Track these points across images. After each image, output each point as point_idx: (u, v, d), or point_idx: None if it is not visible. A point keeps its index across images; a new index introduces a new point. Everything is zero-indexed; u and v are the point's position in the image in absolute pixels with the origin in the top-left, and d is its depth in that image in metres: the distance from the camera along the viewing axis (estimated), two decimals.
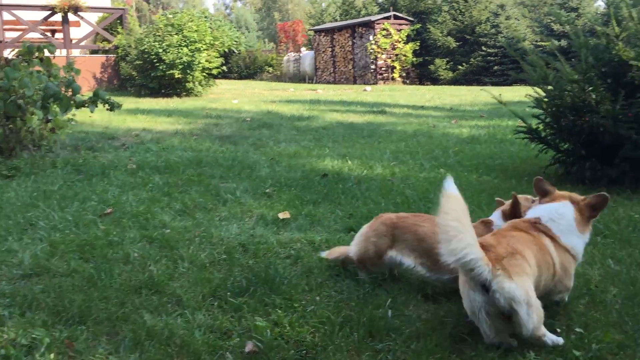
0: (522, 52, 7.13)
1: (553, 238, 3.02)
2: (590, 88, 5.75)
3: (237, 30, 34.33)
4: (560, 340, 2.77)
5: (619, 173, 5.77)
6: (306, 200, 5.48)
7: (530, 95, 6.61)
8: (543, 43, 21.30)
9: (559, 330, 2.92)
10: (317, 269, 3.77)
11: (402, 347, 2.80)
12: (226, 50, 19.99)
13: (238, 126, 11.05)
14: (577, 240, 3.09)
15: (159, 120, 11.61)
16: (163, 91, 17.65)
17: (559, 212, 3.10)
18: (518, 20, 28.84)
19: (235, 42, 24.52)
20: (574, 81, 5.85)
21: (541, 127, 6.51)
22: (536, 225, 3.06)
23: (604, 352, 2.71)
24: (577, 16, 26.21)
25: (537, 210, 3.18)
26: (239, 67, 33.99)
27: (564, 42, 19.44)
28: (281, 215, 4.96)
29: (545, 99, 6.28)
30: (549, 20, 26.47)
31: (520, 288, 2.59)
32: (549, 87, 6.26)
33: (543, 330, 2.73)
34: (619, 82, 5.86)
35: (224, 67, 19.31)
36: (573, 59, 6.71)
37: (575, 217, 3.09)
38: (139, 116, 12.21)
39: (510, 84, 24.07)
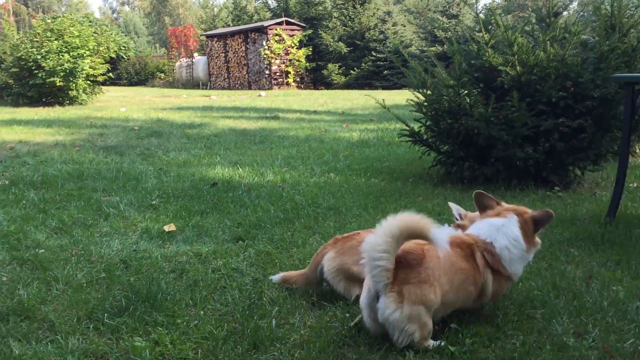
0: (404, 58, 7.40)
1: (495, 266, 3.02)
2: (465, 92, 6.07)
3: (126, 36, 33.16)
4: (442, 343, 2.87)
5: (494, 172, 6.14)
6: (194, 211, 5.36)
7: (411, 100, 6.88)
8: (428, 49, 22.28)
9: (436, 327, 3.04)
10: (203, 282, 3.68)
11: (286, 357, 2.79)
12: (113, 56, 19.23)
13: (125, 135, 10.64)
14: (521, 265, 3.11)
15: (38, 132, 10.93)
16: (44, 100, 16.67)
17: (513, 234, 3.05)
18: (404, 26, 30.06)
19: (123, 48, 23.61)
20: (450, 86, 6.16)
21: (423, 130, 6.79)
22: (478, 247, 3.03)
23: (477, 346, 2.85)
24: (457, 23, 27.72)
25: (483, 228, 3.12)
26: (128, 73, 32.84)
27: (445, 48, 20.42)
28: (167, 228, 4.81)
29: (425, 103, 6.56)
30: (433, 27, 27.80)
31: (404, 316, 2.68)
32: (428, 92, 6.55)
33: (426, 344, 2.80)
34: (490, 87, 6.24)
35: (111, 74, 18.60)
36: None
37: (521, 233, 3.05)
38: (15, 127, 11.44)
39: (399, 88, 25.00)
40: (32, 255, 4.12)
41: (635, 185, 6.04)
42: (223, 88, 31.10)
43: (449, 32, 25.07)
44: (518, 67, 5.96)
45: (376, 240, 2.67)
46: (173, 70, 33.83)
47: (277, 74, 28.92)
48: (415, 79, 6.65)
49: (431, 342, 2.84)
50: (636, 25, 7.04)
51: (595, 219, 4.79)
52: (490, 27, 6.41)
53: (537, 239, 3.14)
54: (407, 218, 2.70)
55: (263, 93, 24.37)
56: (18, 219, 5.04)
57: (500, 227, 3.06)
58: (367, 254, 2.69)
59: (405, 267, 2.74)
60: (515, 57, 5.96)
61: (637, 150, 7.65)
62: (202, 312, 3.27)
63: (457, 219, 3.56)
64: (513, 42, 5.95)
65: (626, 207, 5.12)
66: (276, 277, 3.68)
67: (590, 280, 3.55)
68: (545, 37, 6.03)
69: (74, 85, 16.48)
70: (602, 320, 3.03)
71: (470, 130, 5.99)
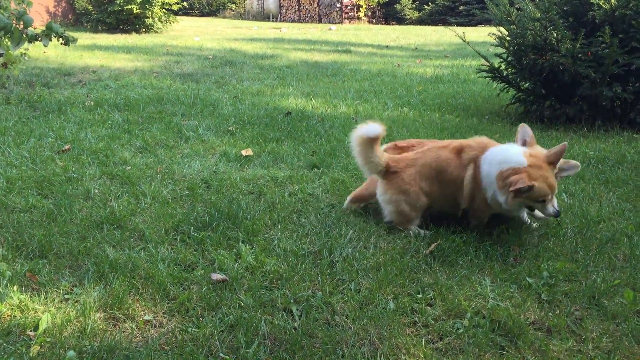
0: None
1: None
2: (552, 26, 5.77)
3: None
4: (421, 233, 3.35)
5: (577, 111, 5.89)
6: (269, 138, 5.46)
7: (493, 35, 6.62)
8: None
9: (512, 258, 3.05)
10: (280, 204, 3.80)
11: (363, 277, 2.88)
12: None
13: (200, 64, 10.80)
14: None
15: (117, 57, 11.24)
16: (121, 27, 17.04)
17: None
18: None
19: None
20: (537, 19, 5.87)
21: (503, 66, 6.55)
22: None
23: (556, 280, 2.84)
24: None
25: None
26: (200, 3, 32.93)
27: None
28: (244, 153, 4.94)
29: (508, 38, 6.30)
30: None
31: (388, 196, 3.43)
32: (512, 26, 6.27)
33: (408, 226, 3.41)
34: (579, 21, 5.91)
35: (185, 3, 18.72)
36: None
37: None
38: (96, 52, 11.80)
39: (475, 25, 24.00)
40: (120, 171, 4.34)
41: None
42: (293, 21, 30.79)
43: None
44: (613, 0, 5.59)
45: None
46: (244, 1, 33.67)
47: (349, 7, 28.29)
48: (499, 11, 6.36)
49: (414, 228, 3.39)
50: None
51: None
52: None
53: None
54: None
55: (333, 27, 23.98)
56: (105, 138, 5.29)
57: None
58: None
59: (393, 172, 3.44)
60: None
61: None
62: (280, 232, 3.39)
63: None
64: None
65: None
66: (345, 203, 3.77)
67: None
68: None
69: (150, 13, 16.73)
70: None
71: (555, 67, 5.73)
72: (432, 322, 2.51)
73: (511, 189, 3.01)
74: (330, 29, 22.50)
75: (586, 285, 2.77)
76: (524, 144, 3.35)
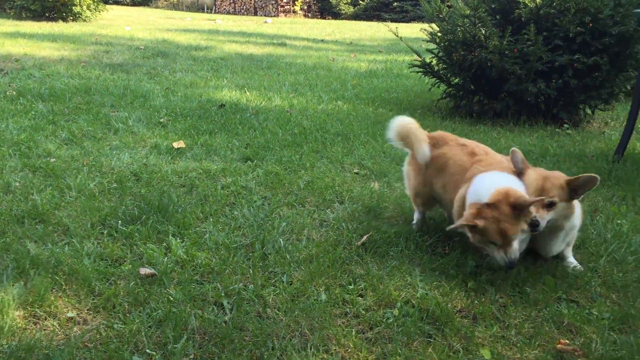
0: None
1: None
2: (480, 23, 5.95)
3: None
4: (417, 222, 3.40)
5: (503, 107, 6.11)
6: (202, 130, 5.37)
7: (424, 30, 6.75)
8: None
9: (441, 249, 3.12)
10: (212, 197, 3.74)
11: (295, 270, 2.87)
12: None
13: (131, 54, 10.48)
14: None
15: (43, 46, 10.75)
16: (47, 15, 16.31)
17: None
18: None
19: None
20: (466, 16, 6.03)
21: (434, 61, 6.70)
22: None
23: (481, 269, 2.92)
24: None
25: None
26: None
27: None
28: (176, 145, 4.83)
29: (439, 34, 6.44)
30: None
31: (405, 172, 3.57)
32: (443, 23, 6.42)
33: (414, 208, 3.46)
34: (506, 19, 6.12)
35: None
36: None
37: None
38: (20, 40, 11.24)
39: (408, 21, 24.45)
40: (43, 164, 4.15)
41: None
42: (228, 13, 30.39)
43: None
44: (537, 0, 5.82)
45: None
46: None
47: (285, 0, 28.19)
48: (431, 8, 6.50)
49: (416, 216, 3.42)
50: None
51: (603, 156, 4.81)
52: None
53: None
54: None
55: (269, 20, 23.85)
56: (28, 129, 5.04)
57: None
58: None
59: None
60: None
61: None
62: (212, 225, 3.33)
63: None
64: None
65: (634, 147, 5.12)
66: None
67: (595, 213, 3.61)
68: None
69: (77, 0, 16.09)
70: (605, 251, 3.10)
71: (483, 63, 5.91)
72: (363, 312, 2.53)
73: (456, 223, 2.82)
74: (266, 22, 22.35)
75: (510, 274, 2.87)
76: (521, 172, 2.97)
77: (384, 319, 2.48)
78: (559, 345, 2.30)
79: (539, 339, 2.37)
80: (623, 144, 4.73)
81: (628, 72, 5.84)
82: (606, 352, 2.26)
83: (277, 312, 2.51)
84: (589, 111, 6.28)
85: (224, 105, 6.42)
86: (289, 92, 7.50)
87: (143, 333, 2.31)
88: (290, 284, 2.74)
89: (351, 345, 2.29)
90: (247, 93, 7.26)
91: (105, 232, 3.18)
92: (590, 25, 5.65)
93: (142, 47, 11.42)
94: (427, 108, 6.85)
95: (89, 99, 6.39)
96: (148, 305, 2.50)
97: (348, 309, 2.56)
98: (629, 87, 5.88)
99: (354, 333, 2.37)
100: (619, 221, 3.46)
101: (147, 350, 2.22)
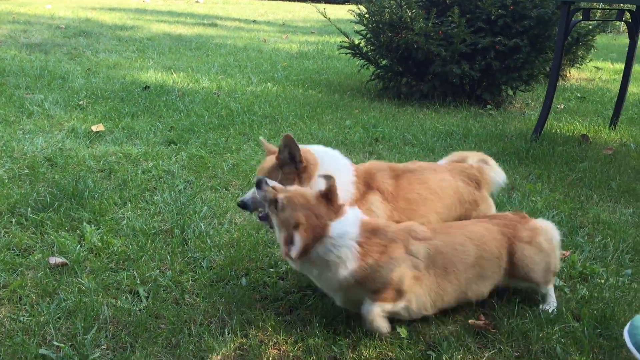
0: None
1: None
2: (406, 5, 5.99)
3: None
4: None
5: (430, 88, 6.20)
6: (124, 113, 5.18)
7: (352, 12, 6.74)
8: None
9: None
10: (132, 182, 3.61)
11: (217, 254, 2.82)
12: None
13: (51, 34, 9.98)
14: None
15: None
16: None
17: None
18: None
19: None
20: None
21: (363, 43, 6.71)
22: None
23: None
24: None
25: None
26: None
27: None
28: (95, 128, 4.64)
29: (367, 15, 6.44)
30: None
31: None
32: (370, 4, 6.43)
33: None
34: (431, 1, 6.18)
35: None
36: None
37: None
38: None
39: (342, 3, 24.40)
40: None
41: (562, 106, 6.27)
42: None
43: None
44: None
45: None
46: None
47: None
48: None
49: None
50: None
51: (522, 136, 4.97)
52: None
53: None
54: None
55: None
56: None
57: None
58: None
59: None
60: None
61: (567, 74, 7.89)
62: (130, 211, 3.22)
63: None
64: None
65: (551, 127, 5.32)
66: None
67: (512, 191, 3.72)
68: None
69: None
70: None
71: (410, 45, 5.96)
72: (283, 295, 2.51)
73: None
74: (197, 2, 21.78)
75: None
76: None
77: (304, 301, 2.47)
78: (471, 321, 2.36)
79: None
80: (540, 124, 4.89)
81: (547, 54, 6.03)
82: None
83: (196, 298, 2.46)
84: (510, 92, 6.47)
85: (149, 87, 6.22)
86: (218, 74, 7.34)
87: (51, 325, 2.20)
88: (210, 269, 2.69)
89: (269, 328, 2.26)
90: (174, 75, 7.05)
91: (14, 220, 3.02)
92: (512, 8, 5.79)
93: (63, 26, 10.90)
94: (356, 89, 6.87)
95: (2, 81, 6.04)
96: (57, 296, 2.39)
97: (268, 292, 2.53)
98: (547, 69, 6.08)
99: (273, 316, 2.34)
100: (533, 198, 3.59)
101: (55, 343, 2.12)
